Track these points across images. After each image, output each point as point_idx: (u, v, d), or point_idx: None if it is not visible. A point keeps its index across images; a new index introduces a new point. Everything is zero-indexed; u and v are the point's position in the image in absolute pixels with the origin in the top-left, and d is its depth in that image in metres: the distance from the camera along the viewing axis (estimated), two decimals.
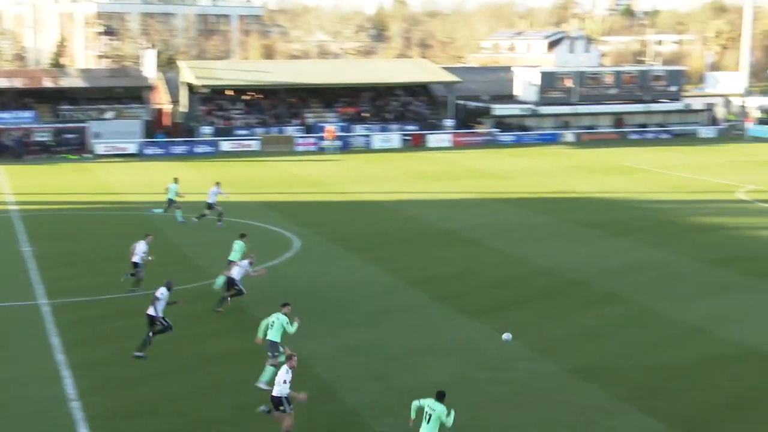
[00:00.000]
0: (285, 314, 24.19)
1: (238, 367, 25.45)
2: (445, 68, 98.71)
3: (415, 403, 19.23)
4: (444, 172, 66.78)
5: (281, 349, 23.75)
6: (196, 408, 22.72)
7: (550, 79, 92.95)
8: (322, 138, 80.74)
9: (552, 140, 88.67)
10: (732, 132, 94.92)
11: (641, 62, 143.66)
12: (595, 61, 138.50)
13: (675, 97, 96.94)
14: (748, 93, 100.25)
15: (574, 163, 72.02)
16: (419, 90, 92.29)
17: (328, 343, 27.65)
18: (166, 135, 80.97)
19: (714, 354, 26.66)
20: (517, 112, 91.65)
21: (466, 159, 74.81)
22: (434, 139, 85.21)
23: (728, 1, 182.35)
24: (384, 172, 66.82)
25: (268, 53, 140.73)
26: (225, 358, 26.30)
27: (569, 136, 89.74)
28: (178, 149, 78.01)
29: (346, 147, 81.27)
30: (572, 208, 51.18)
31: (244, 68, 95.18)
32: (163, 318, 26.28)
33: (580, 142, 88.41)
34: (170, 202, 45.76)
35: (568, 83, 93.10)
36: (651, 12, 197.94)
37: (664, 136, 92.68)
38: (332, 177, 63.62)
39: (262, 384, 23.67)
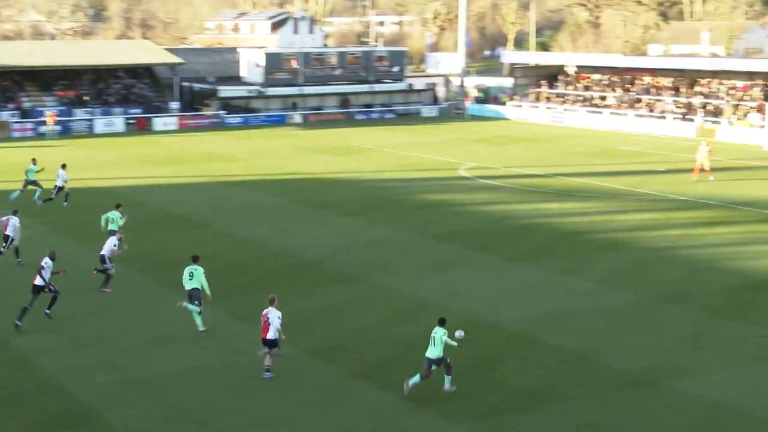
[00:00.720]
0: (201, 266, 27.27)
1: None
2: (169, 50, 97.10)
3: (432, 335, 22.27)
4: (171, 156, 65.73)
5: (206, 296, 27.09)
6: None
7: (275, 61, 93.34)
8: (43, 122, 77.39)
9: (280, 122, 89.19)
10: (453, 111, 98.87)
11: (364, 43, 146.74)
12: (320, 42, 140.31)
13: (398, 78, 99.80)
14: (466, 73, 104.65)
15: (303, 144, 72.75)
16: (143, 72, 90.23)
17: (53, 336, 26.65)
18: None
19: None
20: (243, 93, 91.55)
21: (193, 142, 73.96)
22: (160, 122, 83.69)
23: None
24: (108, 157, 64.95)
25: None
26: None
27: (297, 117, 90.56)
28: None
29: (67, 132, 78.35)
30: (303, 189, 51.71)
31: None
32: (50, 284, 27.23)
33: (307, 123, 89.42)
34: (28, 182, 46.33)
35: (294, 64, 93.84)
36: None
37: (389, 115, 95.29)
38: (54, 164, 61.05)
39: (200, 327, 27.02)
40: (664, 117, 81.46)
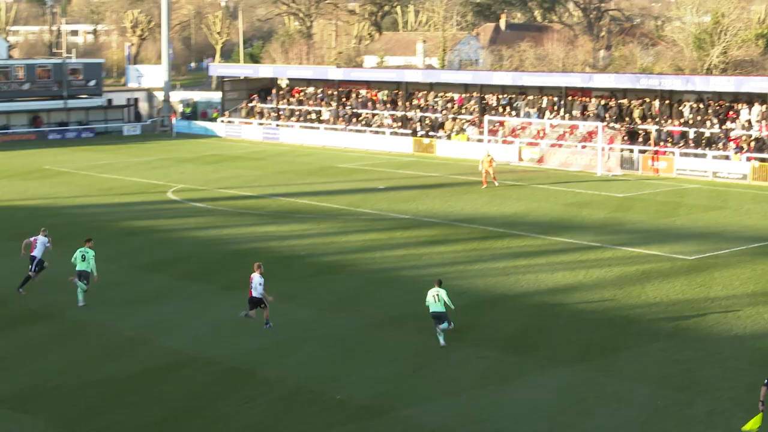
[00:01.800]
0: (91, 248, 32.50)
1: None
2: None
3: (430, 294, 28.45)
4: None
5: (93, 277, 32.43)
6: None
7: None
8: None
9: None
10: (158, 129, 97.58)
11: (56, 55, 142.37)
12: (4, 54, 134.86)
13: (96, 93, 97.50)
14: (171, 87, 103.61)
15: None
16: None
17: None
18: None
19: (155, 365, 27.12)
20: None
21: None
22: None
23: None
24: None
25: None
26: None
27: None
28: None
29: None
30: None
31: None
32: None
33: None
34: None
35: None
36: (62, 0, 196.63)
37: (87, 134, 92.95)
38: None
39: (80, 303, 32.26)
40: (382, 132, 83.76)
